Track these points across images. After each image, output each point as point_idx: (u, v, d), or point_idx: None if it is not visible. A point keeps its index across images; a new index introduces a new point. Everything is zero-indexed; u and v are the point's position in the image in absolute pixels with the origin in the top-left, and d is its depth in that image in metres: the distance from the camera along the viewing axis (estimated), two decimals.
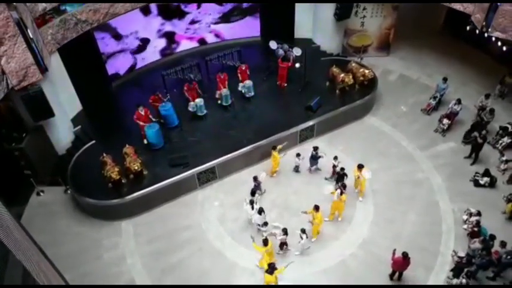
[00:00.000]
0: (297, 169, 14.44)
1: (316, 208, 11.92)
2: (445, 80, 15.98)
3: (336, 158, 13.73)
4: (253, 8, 18.42)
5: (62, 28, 13.58)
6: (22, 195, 14.23)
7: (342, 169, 13.36)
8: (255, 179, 13.36)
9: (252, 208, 12.40)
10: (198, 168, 13.79)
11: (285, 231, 11.81)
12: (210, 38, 18.71)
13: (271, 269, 10.75)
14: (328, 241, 12.60)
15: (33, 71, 12.24)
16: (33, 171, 14.04)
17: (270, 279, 10.91)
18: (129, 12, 14.98)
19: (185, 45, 18.44)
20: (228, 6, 18.02)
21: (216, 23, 18.37)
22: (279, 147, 13.87)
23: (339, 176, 13.30)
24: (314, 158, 14.03)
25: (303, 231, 11.77)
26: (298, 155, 14.05)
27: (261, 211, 12.31)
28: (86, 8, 13.82)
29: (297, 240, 11.93)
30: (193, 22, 17.94)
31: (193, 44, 18.61)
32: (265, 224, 12.34)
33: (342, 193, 12.29)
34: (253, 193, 13.01)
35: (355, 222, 13.03)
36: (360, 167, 12.98)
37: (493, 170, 13.92)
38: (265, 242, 11.30)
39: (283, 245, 12.17)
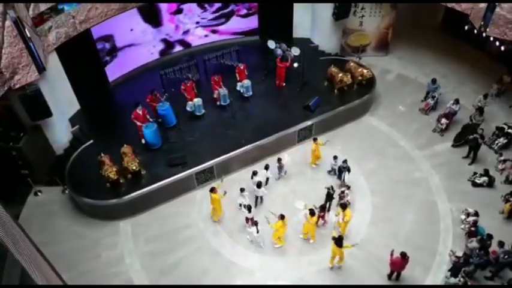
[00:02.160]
0: (334, 172, 14.08)
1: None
2: (433, 81, 16.05)
3: (348, 187, 13.30)
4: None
5: (66, 41, 13.81)
6: (20, 195, 14.19)
7: (332, 191, 12.88)
8: (279, 160, 13.80)
9: (252, 178, 13.08)
10: (196, 168, 13.77)
11: (248, 209, 12.23)
12: (205, 39, 18.69)
13: (340, 241, 11.06)
14: (326, 241, 12.56)
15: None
16: (31, 171, 13.99)
17: (336, 252, 11.35)
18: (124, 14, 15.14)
19: (182, 45, 18.43)
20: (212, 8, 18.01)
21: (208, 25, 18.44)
22: (320, 142, 14.05)
23: (327, 196, 12.86)
24: (342, 172, 13.51)
25: (256, 223, 12.05)
26: (335, 157, 13.76)
27: (259, 185, 12.76)
28: (90, 23, 14.08)
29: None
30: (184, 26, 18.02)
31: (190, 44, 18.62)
32: (242, 190, 12.88)
33: (312, 215, 11.80)
34: (266, 168, 13.52)
35: (353, 222, 12.97)
36: (343, 207, 11.97)
37: (491, 169, 13.95)
38: (212, 190, 12.39)
39: (248, 220, 12.38)
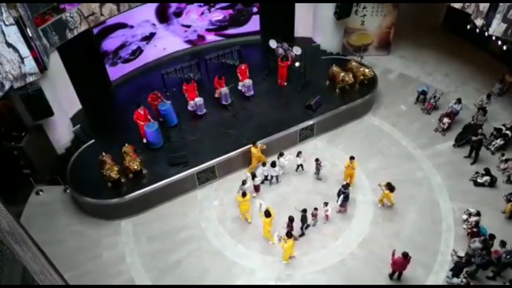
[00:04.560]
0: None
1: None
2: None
3: (326, 204, 12.59)
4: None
5: (67, 40, 13.81)
6: (21, 195, 14.21)
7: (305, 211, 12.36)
8: (317, 160, 13.84)
9: (278, 158, 13.75)
10: (198, 167, 13.76)
11: (253, 176, 13.25)
12: (209, 38, 18.71)
13: (392, 187, 12.51)
14: (327, 240, 12.58)
15: None
16: (33, 170, 14.02)
17: (388, 196, 12.70)
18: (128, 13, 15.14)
19: (183, 45, 18.41)
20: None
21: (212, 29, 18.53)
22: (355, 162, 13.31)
23: (301, 217, 12.30)
24: (341, 195, 12.76)
25: (243, 182, 12.76)
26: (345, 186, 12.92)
27: (274, 164, 13.47)
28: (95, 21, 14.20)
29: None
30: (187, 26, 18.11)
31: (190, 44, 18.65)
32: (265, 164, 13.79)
33: (267, 216, 11.78)
34: (298, 155, 13.97)
35: (355, 222, 13.02)
36: (289, 235, 11.41)
37: (493, 169, 13.90)
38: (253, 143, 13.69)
39: (255, 187, 13.44)
